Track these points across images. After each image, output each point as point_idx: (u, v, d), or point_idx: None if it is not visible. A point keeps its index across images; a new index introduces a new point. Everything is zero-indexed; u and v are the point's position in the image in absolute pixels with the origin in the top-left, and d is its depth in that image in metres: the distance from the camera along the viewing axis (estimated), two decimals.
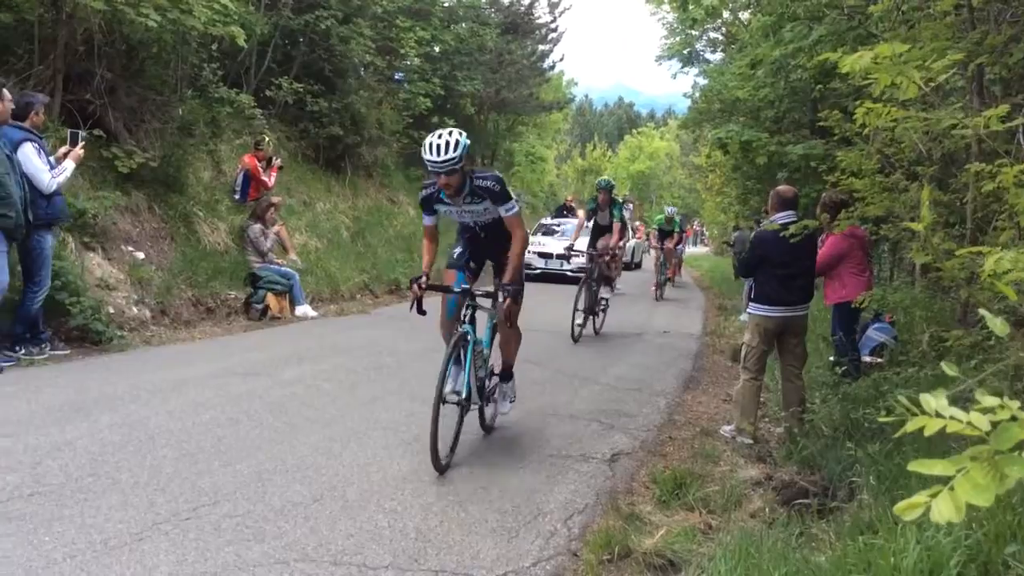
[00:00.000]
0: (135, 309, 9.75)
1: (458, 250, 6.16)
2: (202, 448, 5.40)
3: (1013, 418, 1.31)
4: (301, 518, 4.33)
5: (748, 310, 7.20)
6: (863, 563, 3.37)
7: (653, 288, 19.92)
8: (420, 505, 4.70)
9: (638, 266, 30.62)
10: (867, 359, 8.39)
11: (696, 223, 61.83)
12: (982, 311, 1.63)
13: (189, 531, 4.05)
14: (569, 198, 32.47)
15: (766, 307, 6.85)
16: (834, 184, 8.00)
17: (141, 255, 10.42)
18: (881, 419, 1.61)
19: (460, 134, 5.28)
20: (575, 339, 11.37)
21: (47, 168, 7.78)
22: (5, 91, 7.39)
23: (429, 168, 5.29)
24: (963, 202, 6.82)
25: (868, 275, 8.14)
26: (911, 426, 1.38)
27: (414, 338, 10.71)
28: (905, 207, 7.13)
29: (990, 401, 1.34)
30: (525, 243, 5.65)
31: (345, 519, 4.37)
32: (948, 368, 1.50)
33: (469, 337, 5.46)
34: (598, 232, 12.99)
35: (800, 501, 4.99)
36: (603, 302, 12.58)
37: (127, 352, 8.59)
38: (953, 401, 1.40)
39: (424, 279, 5.46)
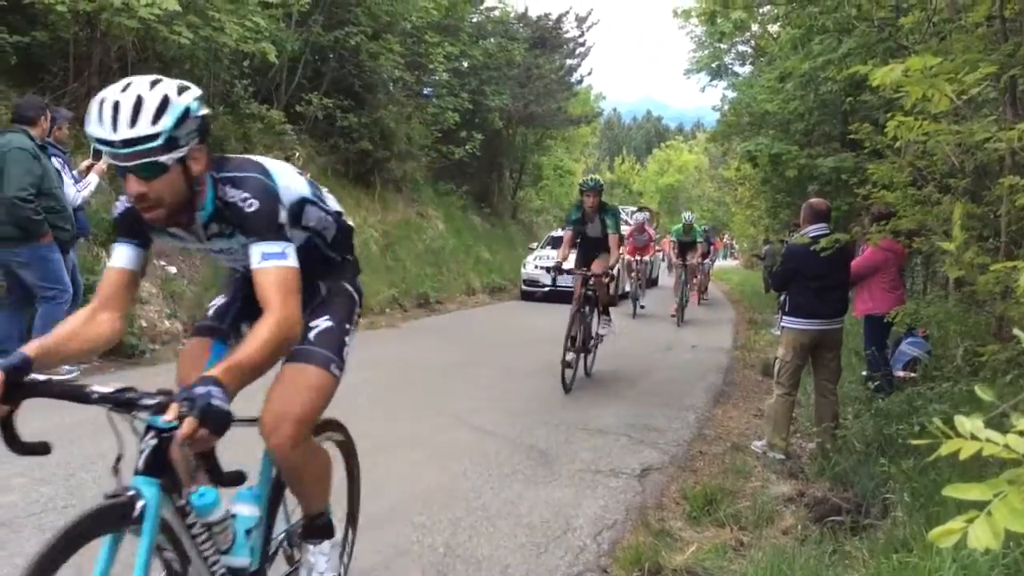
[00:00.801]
0: (167, 323, 9.85)
1: (220, 299, 3.34)
2: (231, 461, 5.42)
3: None
4: None
5: (782, 323, 7.12)
6: None
7: (673, 311, 17.32)
8: (449, 520, 4.69)
9: (654, 283, 26.71)
10: (900, 374, 8.30)
11: (726, 236, 61.52)
12: (1016, 331, 1.61)
13: None
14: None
15: (801, 320, 6.77)
16: (865, 197, 7.94)
17: (173, 269, 10.53)
18: (914, 441, 1.59)
19: (176, 90, 2.50)
20: (566, 388, 8.62)
21: (72, 183, 7.90)
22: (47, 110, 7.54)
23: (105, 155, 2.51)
24: (997, 215, 6.74)
25: (900, 292, 8.06)
26: (945, 449, 1.35)
27: (443, 352, 10.74)
28: (938, 220, 7.05)
29: None
30: (284, 330, 2.49)
31: (373, 535, 4.37)
32: (982, 392, 1.47)
33: (140, 505, 2.29)
34: (588, 248, 9.86)
35: (833, 518, 4.93)
36: (599, 337, 9.86)
37: (159, 365, 8.67)
38: (989, 421, 1.38)
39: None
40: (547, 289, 19.05)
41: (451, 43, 21.50)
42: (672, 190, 73.30)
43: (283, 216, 2.64)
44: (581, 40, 32.91)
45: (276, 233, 2.59)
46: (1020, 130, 2.56)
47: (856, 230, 7.81)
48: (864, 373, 8.40)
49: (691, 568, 4.20)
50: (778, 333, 11.64)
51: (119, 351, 8.63)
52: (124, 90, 2.41)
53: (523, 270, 20.99)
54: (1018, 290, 2.37)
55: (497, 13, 27.51)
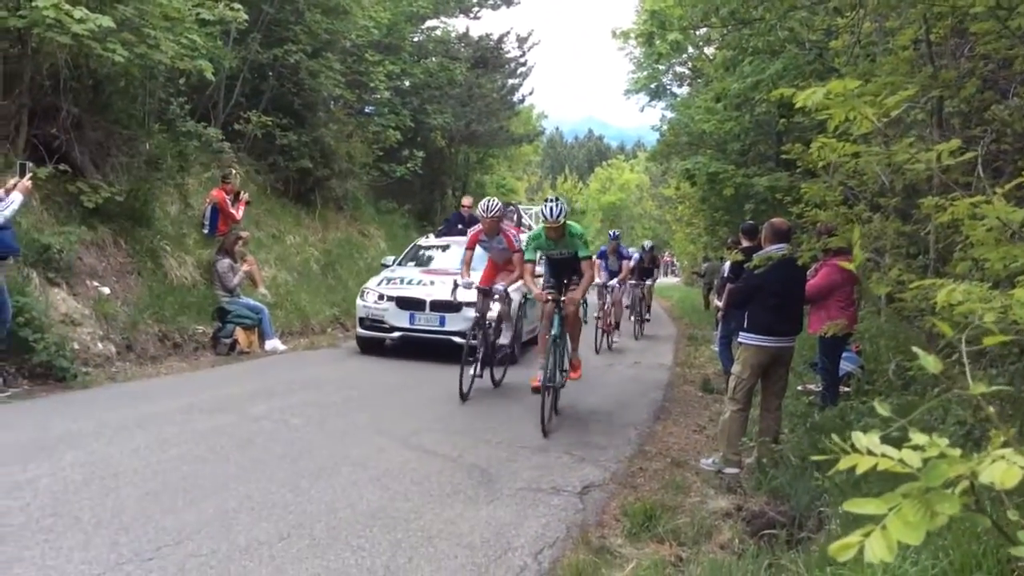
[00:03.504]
0: (100, 345, 9.62)
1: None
2: (167, 486, 5.32)
3: (942, 455, 1.32)
4: (267, 557, 4.27)
5: (740, 340, 7.16)
6: None
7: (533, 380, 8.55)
8: (389, 542, 4.65)
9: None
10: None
11: (667, 254, 62.17)
12: (915, 348, 1.66)
13: (152, 571, 3.98)
14: (466, 204, 17.83)
15: (761, 337, 6.83)
16: (799, 215, 8.11)
17: (107, 290, 10.30)
18: (814, 458, 1.63)
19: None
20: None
21: None
22: None
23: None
24: (926, 233, 6.93)
25: (853, 310, 8.24)
26: (843, 464, 1.39)
27: (384, 372, 10.66)
28: (868, 238, 7.23)
29: (920, 438, 1.36)
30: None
31: (312, 558, 4.32)
32: (880, 408, 1.52)
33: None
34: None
35: (769, 532, 5.00)
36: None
37: (92, 388, 8.47)
38: (888, 436, 1.43)
39: None
40: (397, 336, 12.03)
41: (392, 62, 21.47)
42: (614, 208, 73.94)
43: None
44: (522, 60, 33.16)
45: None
46: (938, 151, 2.64)
47: (805, 248, 7.97)
48: (799, 387, 8.55)
49: None
50: (717, 349, 11.81)
51: (51, 375, 8.41)
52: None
53: (360, 301, 12.48)
54: (937, 306, 2.44)
55: (438, 33, 27.60)
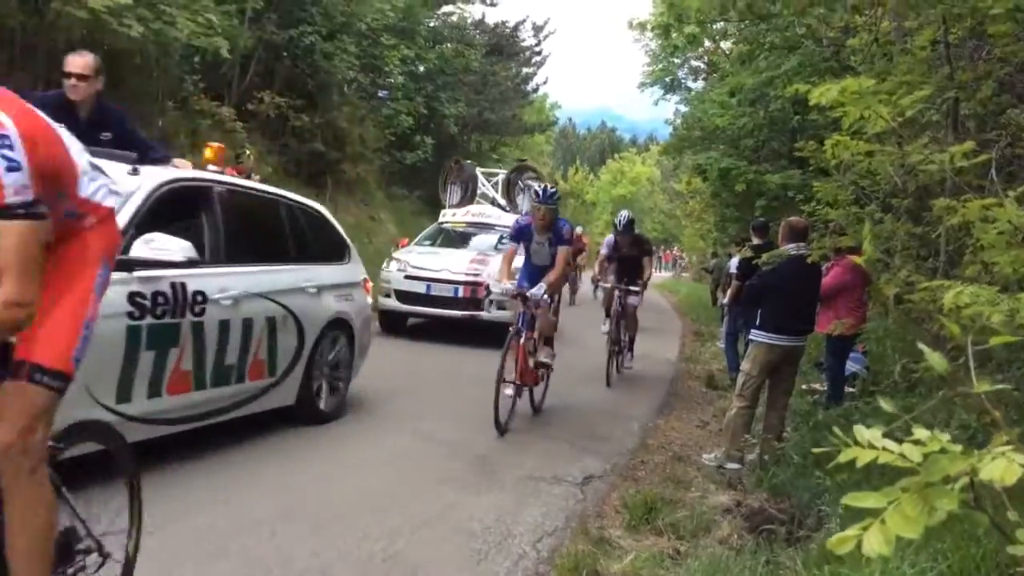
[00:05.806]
0: None
1: None
2: (166, 461, 5.33)
3: (943, 450, 1.32)
4: (267, 535, 4.29)
5: (751, 338, 7.11)
6: None
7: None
8: (388, 526, 4.66)
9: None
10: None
11: (675, 249, 62.04)
12: (921, 346, 1.66)
13: (151, 546, 3.99)
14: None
15: (773, 336, 6.78)
16: (811, 214, 8.08)
17: None
18: (815, 450, 1.63)
19: None
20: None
21: None
22: None
23: None
24: (937, 235, 6.91)
25: (863, 311, 8.20)
26: (843, 457, 1.40)
27: (388, 356, 10.66)
28: (879, 239, 7.20)
29: (922, 433, 1.36)
30: None
31: (312, 538, 4.33)
32: (885, 404, 1.52)
33: None
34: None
35: (768, 528, 5.00)
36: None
37: None
38: (891, 432, 1.42)
39: None
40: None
41: (407, 46, 21.49)
42: (625, 201, 73.81)
43: None
44: (538, 49, 33.13)
45: None
46: (952, 152, 2.63)
47: (816, 247, 7.95)
48: (803, 387, 8.54)
49: None
50: (722, 346, 11.78)
51: None
52: None
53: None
54: (944, 307, 2.44)
55: (454, 18, 27.58)
